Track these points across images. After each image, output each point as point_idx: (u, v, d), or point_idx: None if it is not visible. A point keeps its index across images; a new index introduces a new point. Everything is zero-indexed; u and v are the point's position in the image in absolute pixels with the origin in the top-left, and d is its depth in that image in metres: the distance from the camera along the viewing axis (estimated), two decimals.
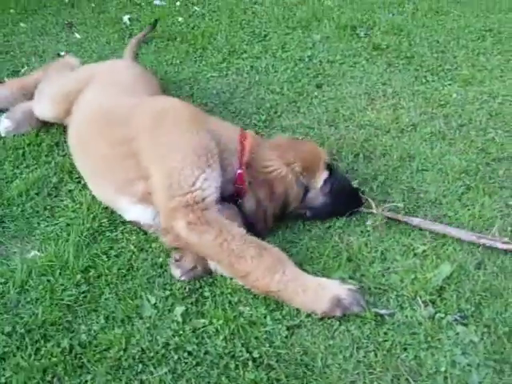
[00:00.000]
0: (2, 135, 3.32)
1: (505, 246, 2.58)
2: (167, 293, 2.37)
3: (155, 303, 2.33)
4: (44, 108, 3.27)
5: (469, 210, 2.85)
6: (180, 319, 2.26)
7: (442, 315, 2.30)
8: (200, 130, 2.57)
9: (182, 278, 2.41)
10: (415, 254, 2.58)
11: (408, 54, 4.34)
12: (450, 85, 3.97)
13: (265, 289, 2.32)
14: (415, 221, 2.73)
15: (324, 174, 2.74)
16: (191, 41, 4.48)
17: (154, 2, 5.23)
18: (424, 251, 2.59)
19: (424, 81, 4.01)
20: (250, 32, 4.67)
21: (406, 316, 2.30)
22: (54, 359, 2.11)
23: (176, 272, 2.42)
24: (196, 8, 5.10)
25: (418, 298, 2.36)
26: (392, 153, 3.25)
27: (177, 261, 2.43)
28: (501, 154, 3.25)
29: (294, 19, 4.88)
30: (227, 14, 4.97)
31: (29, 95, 3.45)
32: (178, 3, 5.20)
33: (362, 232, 2.72)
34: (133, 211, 2.67)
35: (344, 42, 4.53)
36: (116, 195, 2.70)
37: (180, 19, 4.87)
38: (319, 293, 2.28)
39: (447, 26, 4.88)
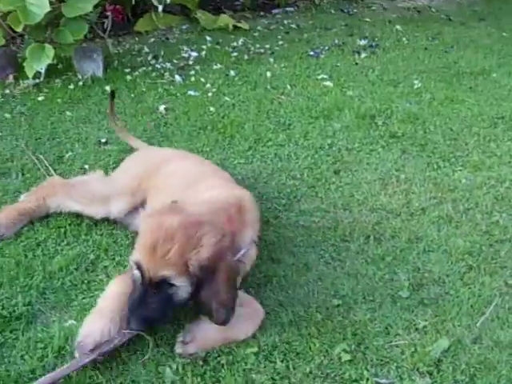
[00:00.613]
0: None
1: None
2: (187, 360, 2.61)
3: (177, 369, 2.57)
4: (121, 204, 3.42)
5: (469, 288, 3.06)
6: None
7: None
8: None
9: (180, 356, 2.64)
10: (416, 329, 2.79)
11: (422, 142, 4.63)
12: (460, 170, 4.23)
13: None
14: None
15: None
16: (221, 129, 4.83)
17: (188, 93, 5.66)
18: (425, 326, 2.80)
19: (436, 167, 4.28)
20: (275, 121, 5.01)
21: None
22: None
23: (178, 350, 2.64)
24: (227, 98, 5.50)
25: (416, 370, 2.57)
26: (401, 235, 3.49)
27: (183, 342, 2.64)
28: (503, 235, 3.47)
29: (317, 109, 5.22)
30: (255, 104, 5.35)
31: (27, 219, 3.50)
32: (210, 94, 5.61)
33: (368, 309, 2.93)
34: None
35: (363, 130, 4.84)
36: None
37: (212, 109, 5.26)
38: None
39: (461, 114, 5.18)
